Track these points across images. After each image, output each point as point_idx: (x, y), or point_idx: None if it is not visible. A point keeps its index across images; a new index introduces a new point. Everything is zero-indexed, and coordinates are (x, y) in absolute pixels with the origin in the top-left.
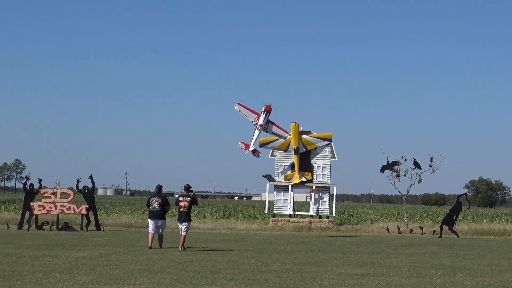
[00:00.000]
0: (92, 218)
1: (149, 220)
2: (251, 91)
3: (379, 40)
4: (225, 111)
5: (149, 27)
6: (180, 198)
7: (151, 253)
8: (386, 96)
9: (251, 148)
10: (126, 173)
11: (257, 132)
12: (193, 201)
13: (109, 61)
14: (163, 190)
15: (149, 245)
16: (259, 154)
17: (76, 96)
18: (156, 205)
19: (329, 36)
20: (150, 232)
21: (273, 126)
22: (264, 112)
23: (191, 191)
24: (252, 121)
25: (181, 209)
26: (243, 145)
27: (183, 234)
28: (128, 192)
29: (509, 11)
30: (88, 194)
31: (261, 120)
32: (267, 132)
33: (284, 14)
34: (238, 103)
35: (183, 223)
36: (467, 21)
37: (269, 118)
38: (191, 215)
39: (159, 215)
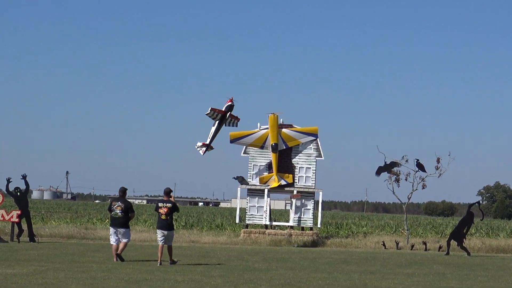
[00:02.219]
0: (25, 227)
1: (110, 228)
2: (213, 83)
3: (379, 25)
4: (188, 102)
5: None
6: (160, 204)
7: (96, 270)
8: (384, 86)
9: (207, 142)
10: (67, 172)
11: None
12: (174, 208)
13: (47, 55)
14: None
15: (114, 259)
16: (206, 149)
17: (9, 86)
18: (118, 211)
19: (319, 24)
20: (112, 244)
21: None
22: (227, 106)
23: (171, 196)
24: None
25: (162, 217)
26: (202, 146)
27: (168, 244)
28: (69, 196)
29: None
30: (20, 198)
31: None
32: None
33: (271, 7)
34: (211, 108)
35: (164, 232)
36: (484, 12)
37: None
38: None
39: (121, 222)
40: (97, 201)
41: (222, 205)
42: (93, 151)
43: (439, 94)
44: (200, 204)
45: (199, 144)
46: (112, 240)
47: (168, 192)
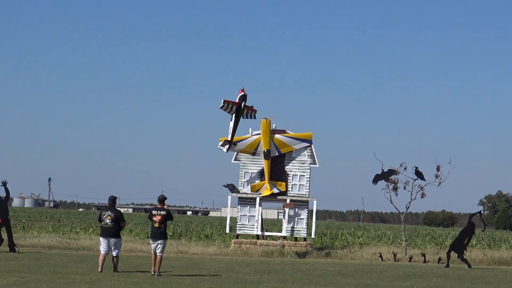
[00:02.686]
0: (5, 236)
1: (100, 238)
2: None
3: (379, 25)
4: (174, 110)
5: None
6: (154, 212)
7: (79, 282)
8: (382, 90)
9: (229, 138)
10: (50, 179)
11: (231, 123)
12: (168, 216)
13: (25, 57)
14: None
15: (99, 269)
16: (229, 146)
17: None
18: (108, 221)
19: (310, 23)
20: (101, 253)
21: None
22: (240, 97)
23: (165, 204)
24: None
25: (155, 225)
26: (225, 143)
27: (159, 254)
28: (52, 204)
29: None
30: (0, 205)
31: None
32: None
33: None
34: (224, 100)
35: (157, 241)
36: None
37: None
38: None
39: (112, 232)
40: (80, 210)
41: (212, 214)
42: (77, 157)
43: (438, 100)
44: (189, 213)
45: (221, 142)
46: (102, 250)
47: (162, 199)
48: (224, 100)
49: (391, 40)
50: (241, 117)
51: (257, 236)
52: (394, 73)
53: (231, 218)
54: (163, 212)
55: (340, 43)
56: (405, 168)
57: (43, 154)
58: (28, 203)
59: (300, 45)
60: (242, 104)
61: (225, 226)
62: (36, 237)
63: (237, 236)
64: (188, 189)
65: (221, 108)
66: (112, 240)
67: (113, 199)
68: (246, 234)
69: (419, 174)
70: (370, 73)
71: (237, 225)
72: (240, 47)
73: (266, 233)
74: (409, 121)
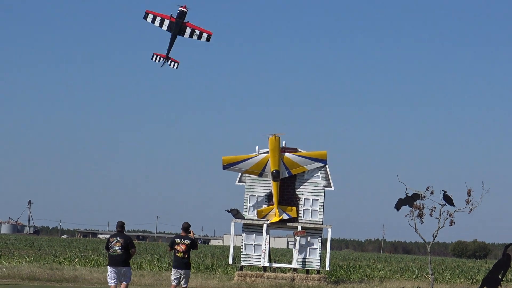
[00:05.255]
0: None
1: (108, 268)
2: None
3: (404, 36)
4: (174, 119)
5: None
6: (177, 240)
7: None
8: (405, 104)
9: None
10: (29, 202)
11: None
12: (193, 245)
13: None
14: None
15: None
16: (177, 64)
17: None
18: (117, 248)
19: (330, 31)
20: (111, 285)
21: (187, 27)
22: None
23: (190, 231)
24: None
25: (178, 254)
26: (157, 57)
27: (183, 286)
28: (32, 230)
29: None
30: None
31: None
32: (180, 34)
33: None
34: (147, 11)
35: (181, 271)
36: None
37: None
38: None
39: (122, 260)
40: (64, 237)
41: (213, 242)
42: (61, 178)
43: (469, 116)
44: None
45: (157, 57)
46: (111, 281)
47: (186, 227)
48: (146, 11)
49: (415, 54)
50: (182, 35)
51: (264, 268)
52: (417, 88)
53: (234, 247)
54: (187, 241)
55: (356, 54)
56: (431, 192)
57: (22, 173)
58: (5, 229)
59: (315, 55)
60: (181, 21)
61: (228, 256)
62: (14, 268)
63: (242, 268)
64: (186, 214)
65: (144, 18)
66: (122, 269)
67: (121, 225)
68: (251, 266)
69: (447, 199)
70: (391, 88)
71: (242, 255)
72: (249, 58)
73: (274, 265)
74: (436, 139)
